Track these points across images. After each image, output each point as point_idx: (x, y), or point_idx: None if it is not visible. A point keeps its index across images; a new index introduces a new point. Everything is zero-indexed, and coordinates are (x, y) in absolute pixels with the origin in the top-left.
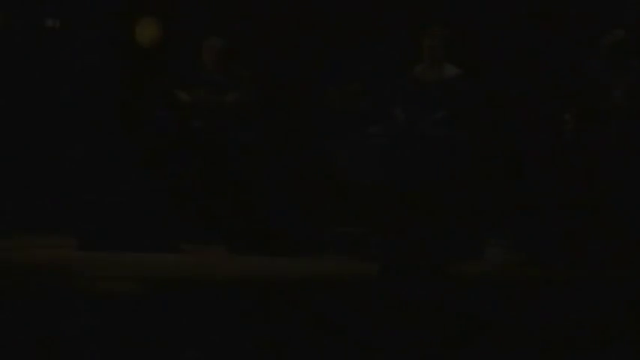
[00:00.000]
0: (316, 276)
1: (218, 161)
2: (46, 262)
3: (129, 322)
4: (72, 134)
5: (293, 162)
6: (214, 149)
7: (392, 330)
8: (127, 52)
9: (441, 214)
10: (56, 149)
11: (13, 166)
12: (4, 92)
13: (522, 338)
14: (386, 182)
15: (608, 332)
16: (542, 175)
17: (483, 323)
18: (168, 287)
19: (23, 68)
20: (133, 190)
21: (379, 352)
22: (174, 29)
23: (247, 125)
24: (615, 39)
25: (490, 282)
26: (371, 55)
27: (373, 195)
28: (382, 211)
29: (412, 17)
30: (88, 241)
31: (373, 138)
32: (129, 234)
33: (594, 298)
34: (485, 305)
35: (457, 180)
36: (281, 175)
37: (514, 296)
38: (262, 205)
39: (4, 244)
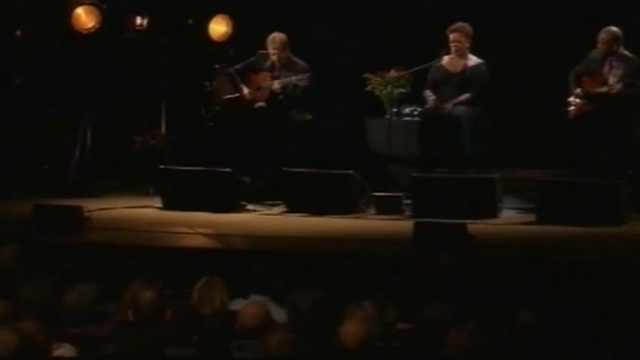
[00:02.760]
0: (359, 233)
1: (278, 136)
2: (135, 220)
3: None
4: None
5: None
6: (276, 126)
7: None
8: (200, 44)
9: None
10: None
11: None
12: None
13: None
14: (418, 153)
15: None
16: None
17: None
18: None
19: (119, 59)
20: (208, 159)
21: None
22: (242, 24)
23: (305, 105)
24: (611, 33)
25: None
26: (407, 47)
27: (406, 164)
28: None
29: (441, 15)
30: (170, 203)
31: (407, 116)
32: (203, 197)
33: None
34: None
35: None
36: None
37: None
38: (316, 174)
39: (98, 203)
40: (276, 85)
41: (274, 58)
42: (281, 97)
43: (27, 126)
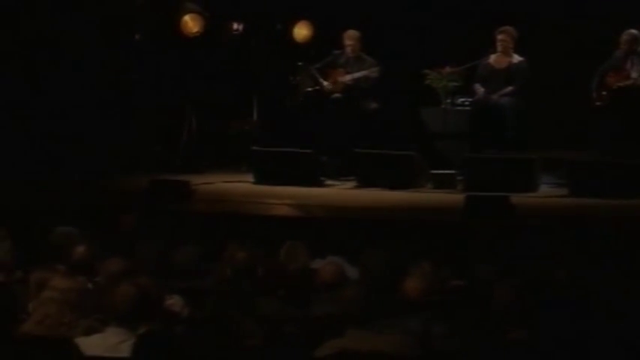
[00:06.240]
0: (418, 204)
1: (351, 122)
2: (232, 193)
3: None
4: (250, 104)
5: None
6: (349, 114)
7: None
8: (286, 45)
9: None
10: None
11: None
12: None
13: None
14: (469, 136)
15: None
16: None
17: None
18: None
19: (219, 58)
20: (292, 141)
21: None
22: (321, 28)
23: (373, 96)
24: (632, 35)
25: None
26: (459, 46)
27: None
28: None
29: (489, 18)
30: (261, 178)
31: (459, 106)
32: (288, 173)
33: None
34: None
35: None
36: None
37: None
38: (383, 154)
39: (201, 179)
40: (349, 78)
41: (349, 50)
42: (353, 89)
43: (144, 114)
